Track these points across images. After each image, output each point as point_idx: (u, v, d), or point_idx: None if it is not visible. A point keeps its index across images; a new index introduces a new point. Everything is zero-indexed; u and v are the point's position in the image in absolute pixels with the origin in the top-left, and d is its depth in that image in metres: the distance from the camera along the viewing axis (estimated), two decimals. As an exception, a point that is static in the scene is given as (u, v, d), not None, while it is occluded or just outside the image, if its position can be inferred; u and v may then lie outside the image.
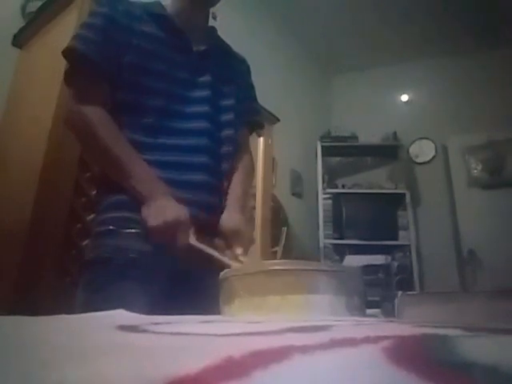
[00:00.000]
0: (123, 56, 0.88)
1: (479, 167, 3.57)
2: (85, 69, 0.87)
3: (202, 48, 0.99)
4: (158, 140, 0.88)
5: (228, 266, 0.72)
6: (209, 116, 0.94)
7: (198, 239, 0.82)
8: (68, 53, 0.87)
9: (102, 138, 0.83)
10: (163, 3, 0.99)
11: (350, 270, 0.62)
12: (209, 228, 0.89)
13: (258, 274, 0.58)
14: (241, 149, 1.06)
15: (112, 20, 0.88)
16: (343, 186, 3.85)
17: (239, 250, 0.85)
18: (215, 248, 0.84)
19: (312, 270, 0.57)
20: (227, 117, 0.99)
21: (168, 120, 0.90)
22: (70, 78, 0.90)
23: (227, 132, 0.98)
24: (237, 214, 0.94)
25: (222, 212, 0.94)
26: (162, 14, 0.96)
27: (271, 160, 2.43)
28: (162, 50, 0.92)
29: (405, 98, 4.30)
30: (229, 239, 0.89)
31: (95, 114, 0.84)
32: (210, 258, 0.79)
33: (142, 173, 0.84)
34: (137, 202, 0.83)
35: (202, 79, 0.96)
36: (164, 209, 0.81)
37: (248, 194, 1.08)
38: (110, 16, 0.88)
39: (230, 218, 0.93)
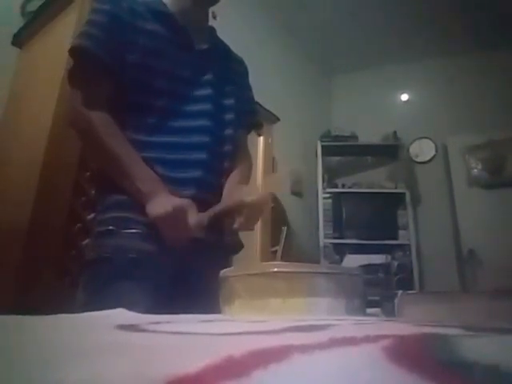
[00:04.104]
0: (128, 54, 0.87)
1: (479, 167, 3.57)
2: (88, 65, 0.87)
3: (204, 47, 0.99)
4: (160, 138, 0.89)
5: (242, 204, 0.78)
6: (211, 114, 0.94)
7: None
8: (73, 51, 0.86)
9: (105, 142, 0.83)
10: (164, 1, 0.99)
11: (350, 271, 0.62)
12: (209, 225, 0.90)
13: (259, 275, 0.58)
14: (240, 149, 1.06)
15: (115, 17, 0.88)
16: (343, 186, 3.85)
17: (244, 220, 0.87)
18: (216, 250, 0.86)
19: (313, 272, 0.57)
20: (229, 116, 0.99)
21: (171, 118, 0.90)
22: (73, 77, 0.90)
23: (229, 131, 0.98)
24: (236, 185, 0.95)
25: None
26: (164, 12, 0.95)
27: (271, 159, 2.43)
28: (165, 49, 0.92)
29: (405, 97, 4.30)
30: (233, 206, 0.90)
31: (99, 118, 0.84)
32: (222, 230, 0.82)
33: (143, 173, 0.84)
34: (137, 202, 0.83)
35: (204, 78, 0.96)
36: (168, 199, 0.83)
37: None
38: (114, 13, 0.88)
39: (230, 189, 0.94)
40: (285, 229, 2.86)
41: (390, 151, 3.88)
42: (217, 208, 0.88)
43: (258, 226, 2.11)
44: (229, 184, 0.96)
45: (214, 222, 0.87)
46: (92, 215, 1.12)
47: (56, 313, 0.43)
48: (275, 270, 0.57)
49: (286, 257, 2.65)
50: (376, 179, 3.88)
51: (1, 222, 1.34)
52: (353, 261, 3.09)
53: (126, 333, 0.29)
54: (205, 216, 0.85)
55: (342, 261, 3.25)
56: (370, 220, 3.54)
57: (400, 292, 0.62)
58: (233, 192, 0.92)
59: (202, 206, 0.89)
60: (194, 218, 0.83)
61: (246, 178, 1.07)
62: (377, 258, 3.15)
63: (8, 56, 1.71)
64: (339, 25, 3.74)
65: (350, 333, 0.26)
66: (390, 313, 0.66)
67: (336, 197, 3.66)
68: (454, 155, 3.69)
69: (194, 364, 0.15)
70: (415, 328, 0.31)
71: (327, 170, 3.84)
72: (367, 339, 0.21)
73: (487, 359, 0.16)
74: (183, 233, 0.82)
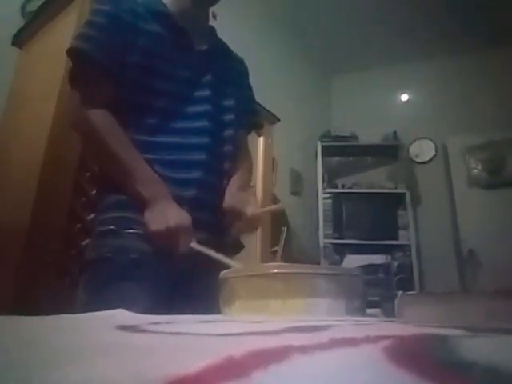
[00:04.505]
0: (128, 55, 0.87)
1: (479, 167, 3.57)
2: (88, 68, 0.87)
3: (204, 47, 0.99)
4: (159, 139, 0.89)
5: (228, 267, 0.73)
6: (210, 115, 0.94)
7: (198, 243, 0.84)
8: (71, 52, 0.86)
9: (107, 143, 0.83)
10: (164, 1, 0.99)
11: (350, 272, 0.62)
12: (209, 226, 0.90)
13: (259, 276, 0.58)
14: (240, 149, 1.06)
15: (115, 18, 0.87)
16: (343, 186, 3.85)
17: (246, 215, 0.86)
18: (216, 250, 0.85)
19: (313, 273, 0.57)
20: (228, 117, 0.99)
21: (171, 119, 0.90)
22: (74, 78, 0.90)
23: (228, 132, 0.98)
24: (237, 193, 0.95)
25: (222, 211, 0.94)
26: (164, 13, 0.95)
27: (271, 159, 2.43)
28: (165, 50, 0.92)
29: (405, 97, 4.31)
30: (232, 215, 0.90)
31: (101, 119, 0.84)
32: (210, 259, 0.80)
33: (145, 176, 0.84)
34: (138, 203, 0.83)
35: (203, 79, 0.96)
36: (166, 213, 0.82)
37: (246, 190, 1.08)
38: (114, 14, 0.88)
39: (230, 197, 0.94)
40: (285, 229, 2.86)
41: (390, 151, 3.88)
42: (211, 251, 0.85)
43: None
44: (229, 192, 0.96)
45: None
46: (92, 215, 1.12)
47: (56, 313, 0.43)
48: (275, 271, 0.57)
49: (286, 257, 2.65)
50: (376, 179, 3.88)
51: (1, 222, 1.35)
52: (353, 261, 3.09)
53: (126, 333, 0.29)
54: (195, 246, 0.83)
55: (342, 261, 3.25)
56: (370, 220, 3.54)
57: (400, 292, 0.62)
58: (234, 203, 0.92)
59: (204, 206, 0.89)
60: (185, 244, 0.82)
61: (247, 180, 1.07)
62: (377, 259, 3.15)
63: (8, 56, 1.71)
64: (339, 25, 3.74)
65: (350, 333, 0.26)
66: (389, 313, 0.66)
67: (336, 197, 3.66)
68: (454, 155, 3.69)
69: (194, 364, 0.15)
70: (415, 328, 0.31)
71: (327, 170, 3.84)
72: (367, 340, 0.21)
73: (487, 359, 0.16)
74: (175, 250, 0.82)
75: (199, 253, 0.82)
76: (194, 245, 0.82)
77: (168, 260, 0.84)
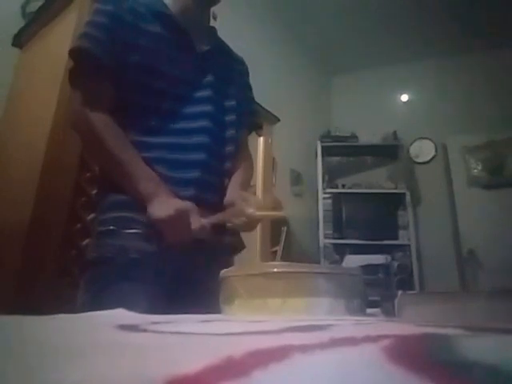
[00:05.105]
0: (128, 55, 0.87)
1: (479, 167, 3.57)
2: (89, 67, 0.87)
3: (205, 48, 0.99)
4: (160, 139, 0.89)
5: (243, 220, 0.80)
6: (212, 115, 0.94)
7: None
8: (74, 52, 0.86)
9: (106, 143, 0.83)
10: (165, 1, 0.99)
11: (350, 271, 0.62)
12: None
13: (259, 275, 0.58)
14: (241, 149, 1.06)
15: (117, 18, 0.87)
16: (343, 186, 3.85)
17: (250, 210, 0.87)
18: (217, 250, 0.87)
19: (313, 272, 0.57)
20: (230, 117, 1.00)
21: (171, 120, 0.90)
22: (74, 78, 0.89)
23: (230, 132, 0.99)
24: (239, 190, 0.96)
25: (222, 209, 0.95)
26: (165, 13, 0.95)
27: (271, 160, 2.43)
28: (166, 51, 0.92)
29: (405, 97, 4.31)
30: (231, 211, 0.91)
31: (101, 120, 0.84)
32: (223, 231, 0.83)
33: (144, 174, 0.84)
34: (139, 203, 0.84)
35: (205, 79, 0.96)
36: (170, 201, 0.83)
37: (247, 188, 1.08)
38: (115, 14, 0.88)
39: (231, 193, 0.95)
40: (285, 229, 2.86)
41: (390, 151, 3.89)
42: (220, 216, 0.88)
43: (258, 226, 2.11)
44: (231, 189, 0.96)
45: (216, 228, 0.88)
46: (92, 215, 1.12)
47: (56, 313, 0.43)
48: (275, 270, 0.57)
49: (286, 257, 2.65)
50: (376, 179, 3.89)
51: (1, 222, 1.35)
52: (353, 261, 3.09)
53: (126, 333, 0.29)
54: (207, 222, 0.85)
55: (342, 261, 3.25)
56: (370, 220, 3.54)
57: (400, 292, 0.62)
58: (235, 200, 0.92)
59: (203, 206, 0.89)
60: (197, 221, 0.83)
61: (248, 179, 1.07)
62: (377, 259, 3.15)
63: (8, 56, 1.72)
64: (339, 25, 3.74)
65: (350, 333, 0.26)
66: (390, 313, 0.66)
67: (336, 197, 3.66)
68: (454, 155, 3.69)
69: (193, 364, 0.15)
70: (415, 328, 0.31)
71: (327, 170, 3.85)
72: (367, 339, 0.21)
73: (487, 359, 0.16)
74: (185, 235, 0.83)
75: (210, 231, 0.84)
76: (204, 221, 0.84)
77: (169, 259, 0.84)
